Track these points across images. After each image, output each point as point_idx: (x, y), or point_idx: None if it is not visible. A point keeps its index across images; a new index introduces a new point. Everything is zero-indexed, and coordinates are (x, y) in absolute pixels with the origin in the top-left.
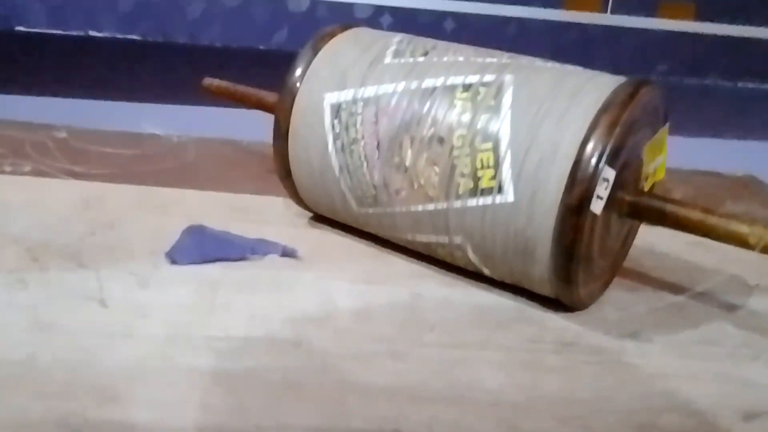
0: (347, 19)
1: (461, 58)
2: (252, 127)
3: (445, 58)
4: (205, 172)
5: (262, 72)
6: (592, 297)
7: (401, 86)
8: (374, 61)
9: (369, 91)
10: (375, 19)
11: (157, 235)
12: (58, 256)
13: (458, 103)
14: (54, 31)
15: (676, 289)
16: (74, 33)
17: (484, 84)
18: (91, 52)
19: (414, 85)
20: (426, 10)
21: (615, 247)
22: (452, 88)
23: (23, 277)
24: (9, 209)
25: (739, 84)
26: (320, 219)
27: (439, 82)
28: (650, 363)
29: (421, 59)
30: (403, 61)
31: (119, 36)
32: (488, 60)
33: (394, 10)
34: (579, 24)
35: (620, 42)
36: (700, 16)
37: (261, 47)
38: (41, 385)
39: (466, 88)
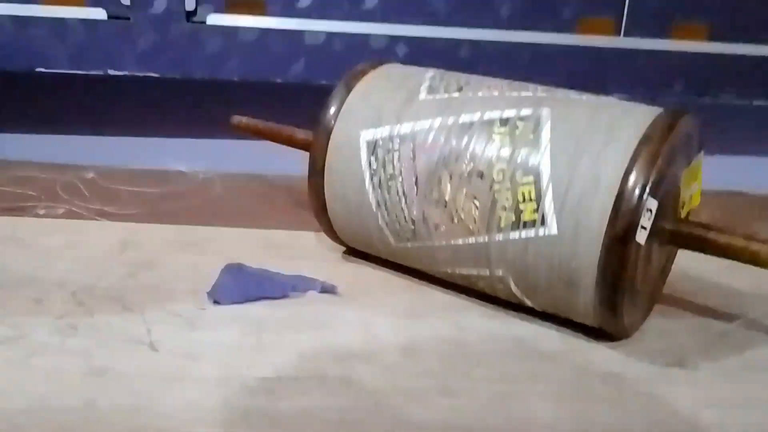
0: (363, 50)
1: (496, 93)
2: (274, 160)
3: (480, 93)
4: (233, 208)
5: (280, 104)
6: (634, 326)
7: (437, 122)
8: (409, 97)
9: (405, 128)
10: (390, 48)
11: (196, 274)
12: (103, 300)
13: (497, 138)
14: (74, 72)
15: (715, 314)
16: (94, 72)
17: (521, 118)
18: (109, 91)
19: (451, 120)
20: (440, 39)
21: (655, 276)
22: (489, 122)
23: (72, 321)
24: (49, 253)
25: (755, 102)
26: (354, 253)
27: (476, 117)
28: (699, 391)
29: (456, 95)
30: (437, 97)
31: (138, 74)
32: (523, 94)
33: (408, 40)
34: (592, 48)
35: (634, 64)
36: (714, 37)
37: (278, 80)
38: (104, 430)
39: (504, 122)
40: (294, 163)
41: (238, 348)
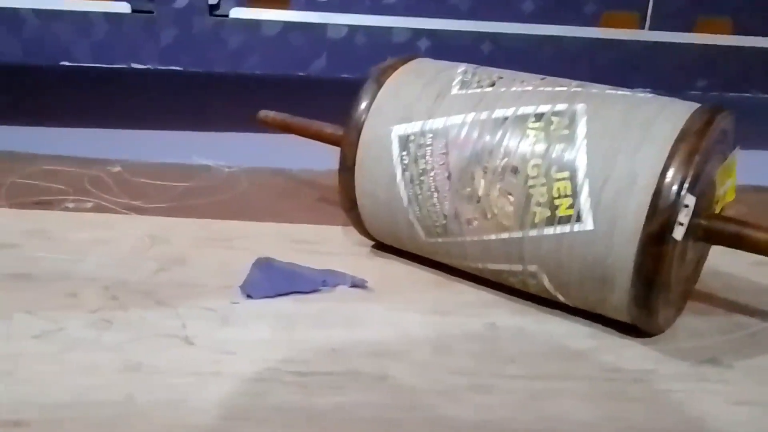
0: (385, 44)
1: (529, 88)
2: (295, 155)
3: (513, 88)
4: (259, 203)
5: (303, 98)
6: (667, 323)
7: (470, 117)
8: (440, 92)
9: (437, 123)
10: (413, 42)
11: (226, 269)
12: (136, 294)
13: (531, 133)
14: (98, 65)
15: (747, 311)
16: (117, 66)
17: (556, 113)
18: (130, 84)
19: (484, 115)
20: (463, 32)
21: (688, 273)
22: (524, 117)
23: (107, 316)
24: (80, 247)
25: None
26: (381, 247)
27: (509, 112)
28: (733, 390)
29: (488, 90)
30: (470, 92)
31: (161, 68)
32: (557, 89)
33: (431, 33)
34: (616, 41)
35: (658, 59)
36: (738, 30)
37: (300, 74)
38: (143, 425)
39: (538, 117)
40: (315, 157)
41: (272, 343)
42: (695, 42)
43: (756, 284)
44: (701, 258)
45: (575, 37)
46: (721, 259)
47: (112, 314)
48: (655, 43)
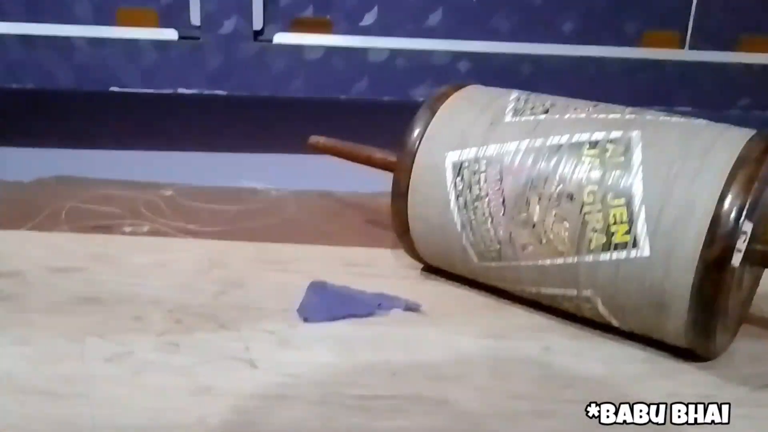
0: (425, 67)
1: (583, 115)
2: (342, 177)
3: (566, 116)
4: (308, 226)
5: (344, 121)
6: (723, 347)
7: (524, 144)
8: (494, 119)
9: (491, 150)
10: (453, 65)
11: (282, 292)
12: (198, 317)
13: (586, 160)
14: (145, 90)
15: None
16: (165, 91)
17: (611, 141)
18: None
19: (538, 143)
20: (503, 54)
21: (744, 297)
22: (578, 145)
23: (173, 339)
24: (141, 271)
25: None
26: (431, 270)
27: (564, 139)
28: None
29: (542, 117)
30: (523, 119)
31: (206, 92)
32: (611, 116)
33: (470, 56)
34: (657, 61)
35: (699, 78)
36: None
37: (342, 97)
38: None
39: (593, 145)
40: (360, 180)
41: (333, 366)
42: (736, 61)
43: None
44: (755, 282)
45: (616, 58)
46: None
47: (178, 337)
48: (696, 62)
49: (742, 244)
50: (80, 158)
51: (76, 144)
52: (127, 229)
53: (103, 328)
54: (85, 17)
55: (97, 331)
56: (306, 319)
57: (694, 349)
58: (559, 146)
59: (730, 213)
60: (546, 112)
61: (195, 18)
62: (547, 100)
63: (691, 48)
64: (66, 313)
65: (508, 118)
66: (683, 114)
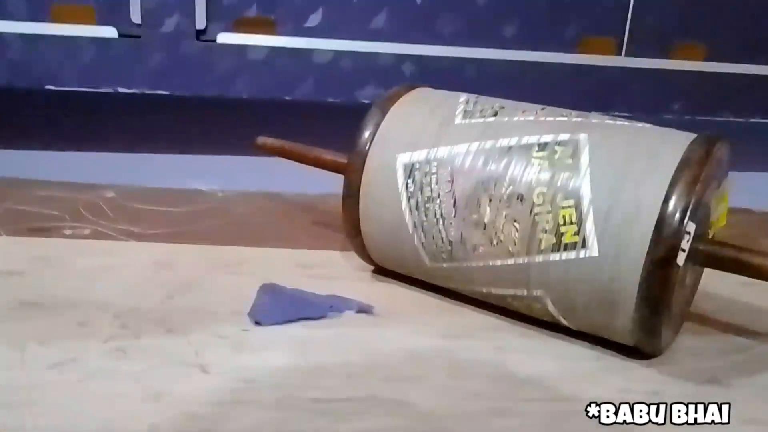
0: (371, 68)
1: (531, 118)
2: (287, 178)
3: (515, 118)
4: (256, 228)
5: (289, 122)
6: (667, 344)
7: (475, 146)
8: (444, 121)
9: (442, 152)
10: (398, 67)
11: (233, 295)
12: (146, 322)
13: (535, 162)
14: (84, 89)
15: (740, 330)
16: (104, 90)
17: (559, 143)
18: (118, 108)
19: (489, 144)
20: (447, 58)
21: (686, 295)
22: (528, 147)
23: (120, 345)
24: (85, 274)
25: (751, 120)
26: (383, 272)
27: (513, 141)
28: (738, 409)
29: (491, 119)
30: (473, 121)
31: (147, 92)
32: (558, 119)
33: (415, 59)
34: (594, 66)
35: (635, 83)
36: (712, 56)
37: (287, 98)
38: None
39: (542, 147)
40: (306, 181)
41: (288, 369)
42: (670, 68)
43: (746, 304)
44: (697, 281)
45: (555, 63)
46: (709, 279)
47: (125, 343)
48: (632, 68)
49: (686, 244)
50: (15, 158)
51: (9, 144)
52: (68, 231)
53: (45, 335)
54: (18, 12)
55: (39, 337)
56: (258, 323)
57: (640, 346)
58: (509, 148)
59: (675, 214)
60: (495, 114)
61: (135, 15)
62: (496, 102)
63: (627, 54)
64: (4, 319)
65: (459, 119)
66: (621, 118)
